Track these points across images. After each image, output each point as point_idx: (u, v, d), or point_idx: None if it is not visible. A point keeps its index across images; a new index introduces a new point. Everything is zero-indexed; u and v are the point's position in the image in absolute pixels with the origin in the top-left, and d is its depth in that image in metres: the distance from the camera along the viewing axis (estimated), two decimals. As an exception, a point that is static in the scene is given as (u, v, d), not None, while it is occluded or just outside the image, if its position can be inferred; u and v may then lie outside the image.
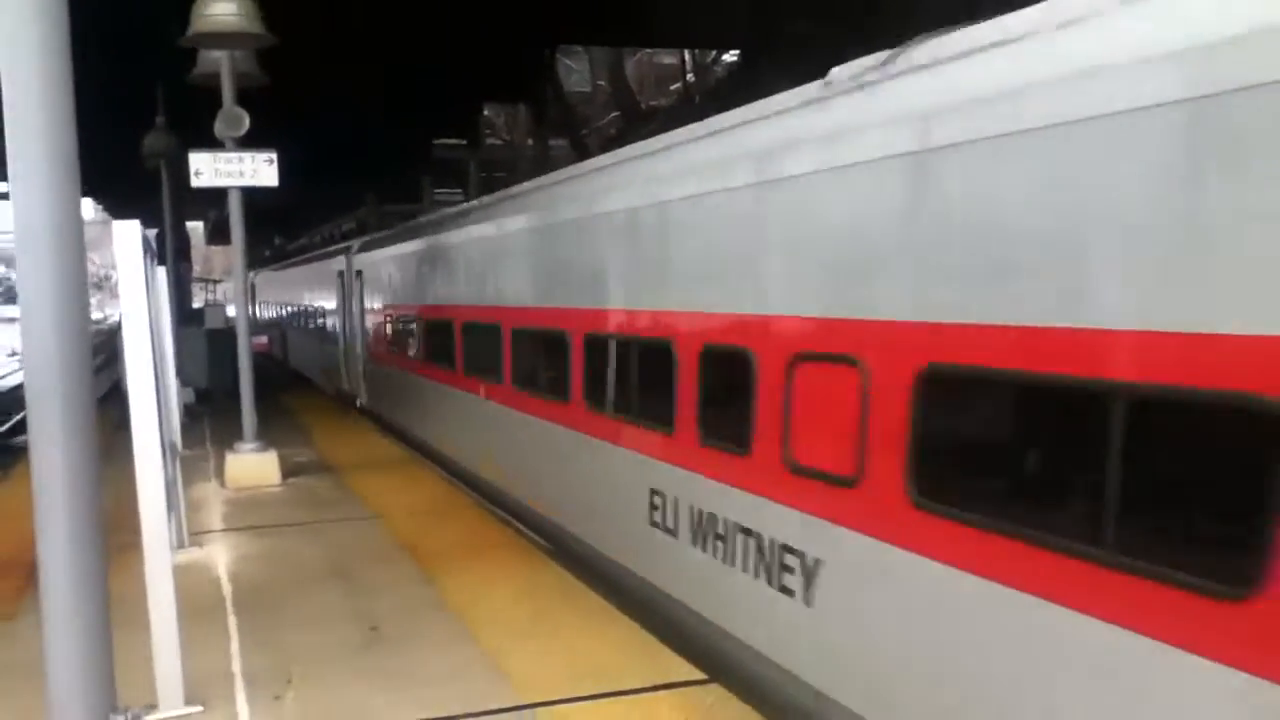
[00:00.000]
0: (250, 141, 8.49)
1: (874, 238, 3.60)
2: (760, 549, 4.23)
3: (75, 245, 1.89)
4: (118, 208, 44.56)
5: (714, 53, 23.26)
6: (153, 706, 4.03)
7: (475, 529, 6.82)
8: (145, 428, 3.98)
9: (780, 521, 4.09)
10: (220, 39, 7.74)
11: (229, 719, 3.98)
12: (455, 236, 9.43)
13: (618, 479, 5.58)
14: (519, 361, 7.42)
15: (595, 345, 5.92)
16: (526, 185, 9.01)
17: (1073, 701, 2.79)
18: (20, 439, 19.44)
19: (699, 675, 4.23)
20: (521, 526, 6.85)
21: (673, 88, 25.92)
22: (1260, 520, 2.30)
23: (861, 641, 3.62)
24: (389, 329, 12.55)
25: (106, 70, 16.08)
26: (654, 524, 5.14)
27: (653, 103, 24.91)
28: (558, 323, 6.44)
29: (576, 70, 29.27)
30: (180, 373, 12.59)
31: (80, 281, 1.91)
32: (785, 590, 4.04)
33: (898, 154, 3.44)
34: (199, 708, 4.05)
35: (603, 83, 28.38)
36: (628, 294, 5.58)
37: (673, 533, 4.96)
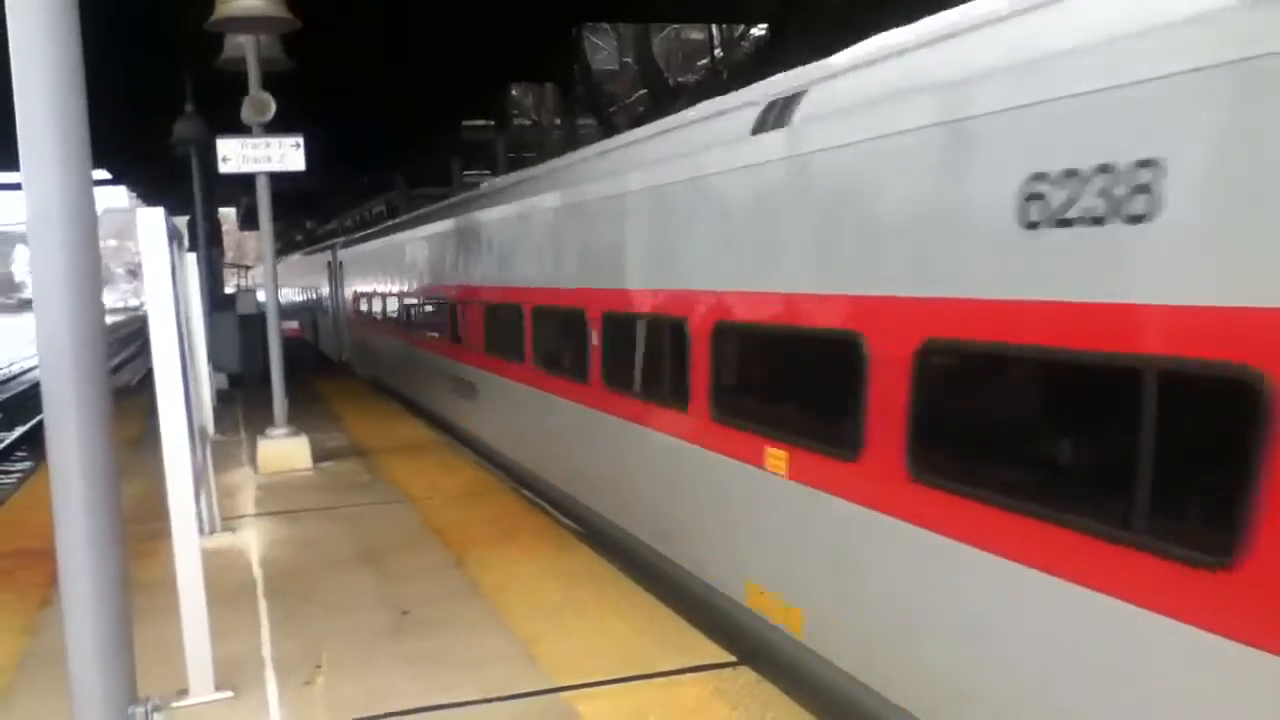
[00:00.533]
0: (278, 126, 8.49)
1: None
2: None
3: (89, 230, 1.86)
4: (151, 195, 44.96)
5: (741, 27, 23.04)
6: (184, 692, 4.05)
7: (507, 513, 6.81)
8: (172, 414, 3.98)
9: None
10: (244, 23, 7.73)
11: (259, 705, 3.99)
12: (387, 240, 16.15)
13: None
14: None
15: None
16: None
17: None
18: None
19: (728, 658, 4.20)
20: (553, 510, 6.83)
21: (700, 64, 25.70)
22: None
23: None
24: (358, 305, 19.25)
25: (136, 58, 16.20)
26: None
27: (680, 79, 24.72)
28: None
29: (603, 48, 29.09)
30: (212, 358, 12.70)
31: (93, 267, 1.88)
32: None
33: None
34: (229, 693, 4.06)
35: (629, 60, 28.19)
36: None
37: None
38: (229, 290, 21.18)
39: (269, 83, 8.71)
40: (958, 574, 3.23)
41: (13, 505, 7.90)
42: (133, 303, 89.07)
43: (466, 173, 32.97)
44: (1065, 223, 2.77)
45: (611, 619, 4.68)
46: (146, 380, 14.81)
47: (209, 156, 13.80)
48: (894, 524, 3.53)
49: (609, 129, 22.53)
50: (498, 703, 3.89)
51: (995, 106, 3.05)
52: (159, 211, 4.06)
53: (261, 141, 8.28)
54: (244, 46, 8.30)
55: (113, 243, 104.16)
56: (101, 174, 38.72)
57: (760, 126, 4.48)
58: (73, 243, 1.86)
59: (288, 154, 8.36)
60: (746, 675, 4.04)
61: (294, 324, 20.71)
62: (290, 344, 19.13)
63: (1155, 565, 2.53)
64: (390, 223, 18.43)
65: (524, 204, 7.86)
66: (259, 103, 8.17)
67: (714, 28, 23.86)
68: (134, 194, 46.26)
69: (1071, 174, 2.75)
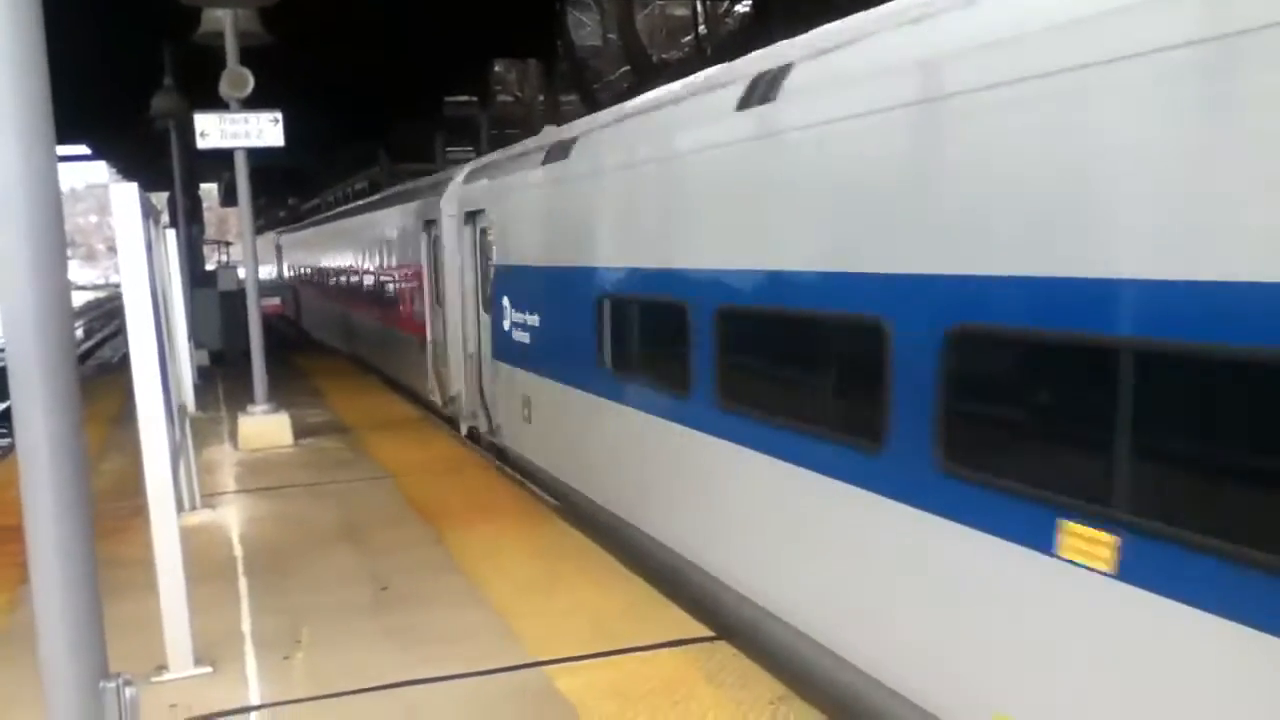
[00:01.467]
0: (260, 102, 8.42)
1: None
2: None
3: (53, 209, 1.85)
4: (132, 170, 44.59)
5: (726, 3, 22.95)
6: (163, 668, 4.06)
7: (485, 488, 6.83)
8: (148, 391, 3.98)
9: None
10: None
11: (238, 680, 4.00)
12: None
13: None
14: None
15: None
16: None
17: None
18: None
19: (706, 633, 4.22)
20: (532, 486, 6.84)
21: (684, 40, 25.62)
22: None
23: None
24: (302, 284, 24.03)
25: (116, 31, 16.03)
26: None
27: (664, 55, 24.60)
28: None
29: (587, 24, 28.92)
30: (194, 335, 12.64)
31: (58, 245, 1.87)
32: None
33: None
34: (209, 669, 4.07)
35: (613, 36, 28.06)
36: None
37: None
38: (210, 267, 21.05)
39: (251, 57, 8.64)
40: None
41: (-8, 482, 7.87)
42: (114, 279, 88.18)
43: (450, 149, 32.82)
44: None
45: (590, 593, 4.71)
46: (128, 357, 14.74)
47: (188, 132, 13.70)
48: None
49: (592, 105, 22.42)
50: (477, 677, 3.91)
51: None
52: (132, 187, 4.04)
53: (240, 117, 8.23)
54: (222, 21, 8.23)
55: (94, 219, 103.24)
56: (81, 149, 38.36)
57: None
58: (37, 222, 1.85)
59: (266, 129, 8.31)
60: (725, 650, 4.07)
61: (275, 300, 20.55)
62: (272, 321, 19.06)
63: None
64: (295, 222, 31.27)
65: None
66: (237, 78, 8.11)
67: (698, 3, 23.76)
68: (114, 169, 45.87)
69: None
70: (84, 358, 28.45)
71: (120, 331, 34.45)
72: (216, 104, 8.43)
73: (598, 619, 4.40)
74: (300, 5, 12.46)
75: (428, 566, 5.22)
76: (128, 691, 1.96)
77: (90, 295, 72.69)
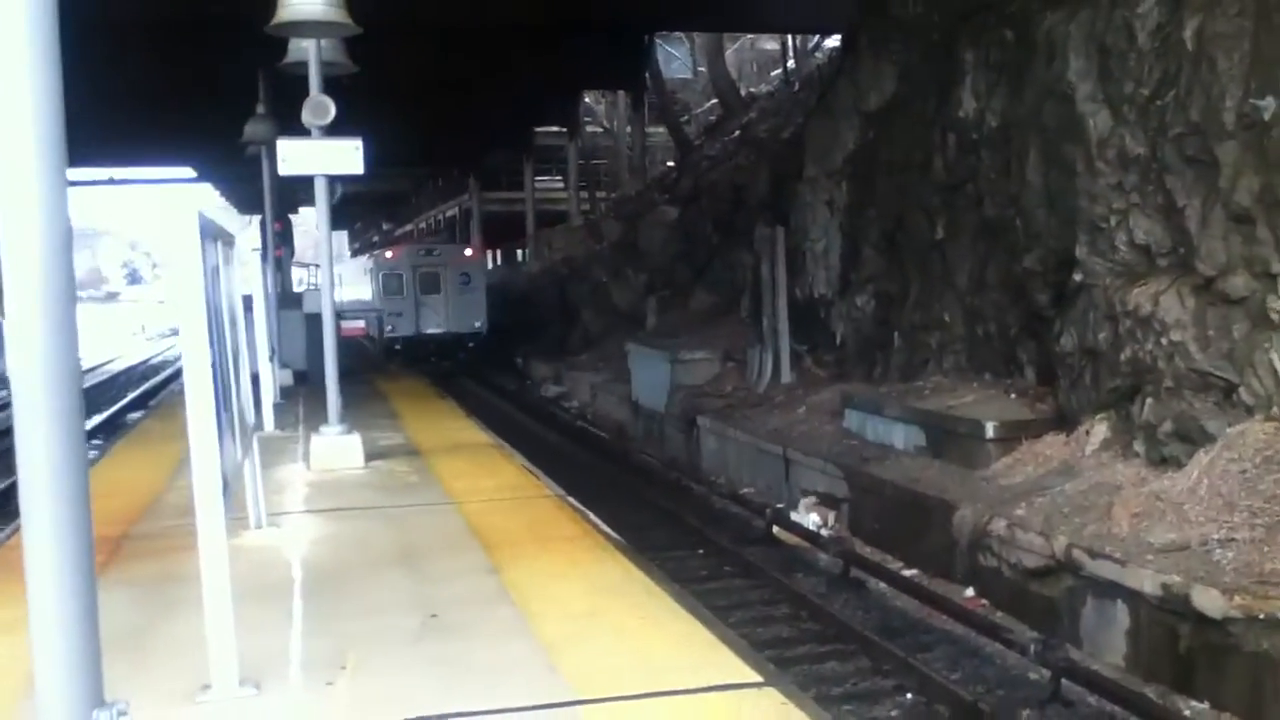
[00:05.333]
0: (350, 130, 8.58)
1: None
2: None
3: (63, 237, 1.84)
4: (233, 193, 45.98)
5: (816, 38, 22.87)
6: (208, 687, 4.05)
7: (547, 518, 6.77)
8: (201, 410, 4.00)
9: None
10: (303, 27, 7.82)
11: (281, 703, 3.98)
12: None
13: None
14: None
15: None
16: None
17: None
18: (134, 415, 20.19)
19: (755, 678, 4.07)
20: (595, 518, 6.76)
21: (773, 74, 25.56)
22: None
23: None
24: None
25: (216, 58, 16.53)
26: None
27: (752, 89, 24.56)
28: None
29: (677, 57, 29.12)
30: (280, 355, 12.89)
31: (68, 277, 1.86)
32: None
33: None
34: (253, 690, 4.05)
35: (703, 69, 28.19)
36: None
37: None
38: (299, 289, 21.55)
39: (339, 84, 8.81)
40: None
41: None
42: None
43: (539, 178, 33.28)
44: None
45: (640, 631, 4.59)
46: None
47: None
48: None
49: (680, 136, 22.57)
50: (515, 713, 3.82)
51: None
52: (194, 209, 4.09)
53: (320, 144, 8.37)
54: (306, 50, 8.40)
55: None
56: (186, 171, 39.72)
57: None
58: (47, 251, 1.83)
59: (347, 156, 8.44)
60: (772, 697, 3.91)
61: (359, 323, 20.81)
62: (355, 344, 19.41)
63: None
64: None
65: None
66: (318, 106, 8.26)
67: (789, 38, 23.73)
68: (219, 191, 47.43)
69: None
70: (176, 374, 29.29)
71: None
72: (305, 130, 8.61)
73: (645, 658, 4.28)
74: (395, 34, 12.72)
75: (480, 596, 5.16)
76: (121, 720, 1.91)
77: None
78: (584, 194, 29.31)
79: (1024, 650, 6.23)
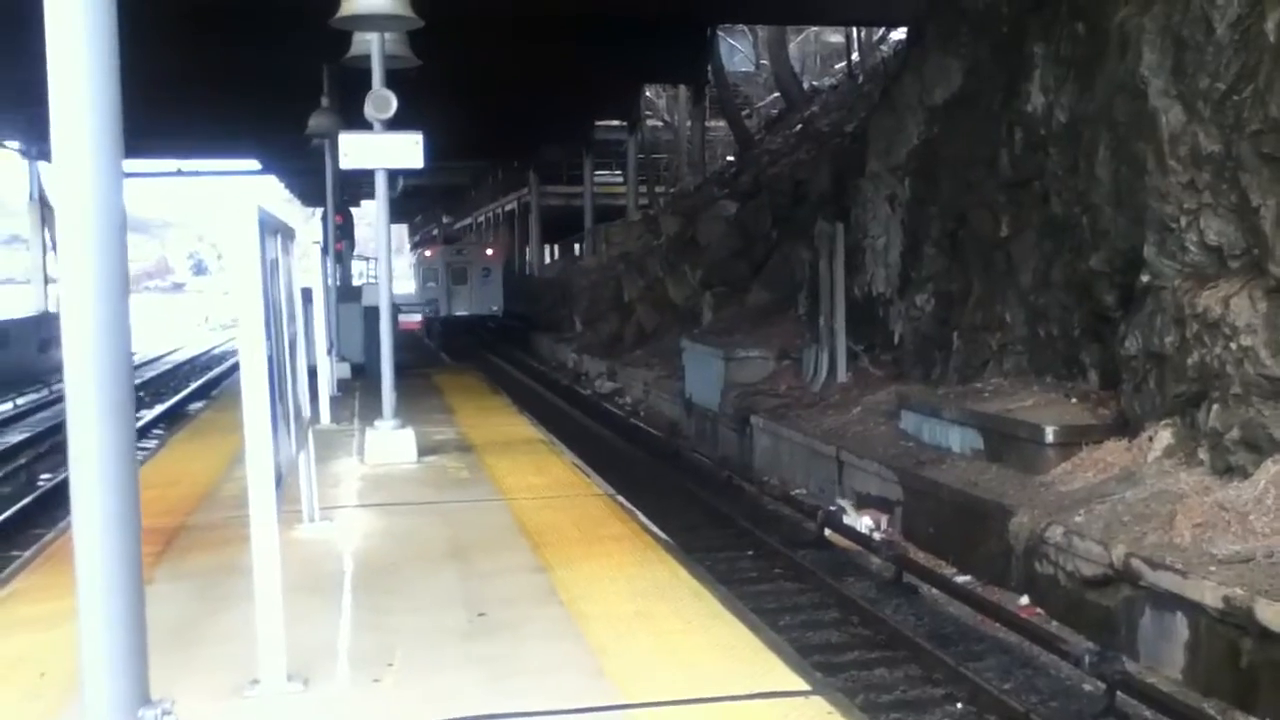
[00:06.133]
0: (411, 123, 8.64)
1: None
2: None
3: (118, 223, 1.85)
4: (296, 185, 46.60)
5: (880, 30, 22.56)
6: (256, 682, 4.09)
7: (597, 517, 6.76)
8: (255, 403, 4.04)
9: None
10: (367, 21, 7.88)
11: (327, 698, 4.01)
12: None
13: None
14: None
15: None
16: None
17: None
18: (195, 405, 20.58)
19: (802, 685, 4.02)
20: (643, 518, 6.73)
21: (837, 67, 25.28)
22: None
23: None
24: None
25: (281, 51, 16.75)
26: None
27: (815, 83, 24.29)
28: None
29: (740, 50, 28.92)
30: (338, 348, 13.05)
31: (121, 261, 1.87)
32: None
33: None
34: (300, 685, 4.09)
35: (765, 62, 28.00)
36: None
37: None
38: (358, 282, 21.80)
39: (401, 76, 8.86)
40: None
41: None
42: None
43: (599, 172, 33.30)
44: None
45: (686, 635, 4.55)
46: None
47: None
48: None
49: (741, 132, 22.44)
50: (560, 715, 3.82)
51: None
52: (253, 203, 4.13)
53: (382, 137, 8.43)
54: (369, 43, 8.47)
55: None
56: (252, 164, 40.39)
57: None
58: (102, 237, 1.85)
59: (408, 150, 8.49)
60: (818, 706, 3.86)
61: (416, 317, 21.21)
62: (411, 337, 19.57)
63: None
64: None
65: None
66: (380, 100, 8.32)
67: (853, 31, 23.45)
68: (283, 183, 48.15)
69: None
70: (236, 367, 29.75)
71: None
72: (367, 124, 8.68)
73: (691, 663, 4.25)
74: (455, 27, 12.78)
75: (528, 595, 5.16)
76: (167, 720, 1.93)
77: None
78: (643, 188, 29.28)
79: (1078, 661, 6.09)
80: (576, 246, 40.38)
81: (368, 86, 8.53)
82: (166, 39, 17.61)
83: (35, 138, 29.17)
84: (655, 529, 6.41)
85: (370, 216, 50.17)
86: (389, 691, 4.07)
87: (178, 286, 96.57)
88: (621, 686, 4.02)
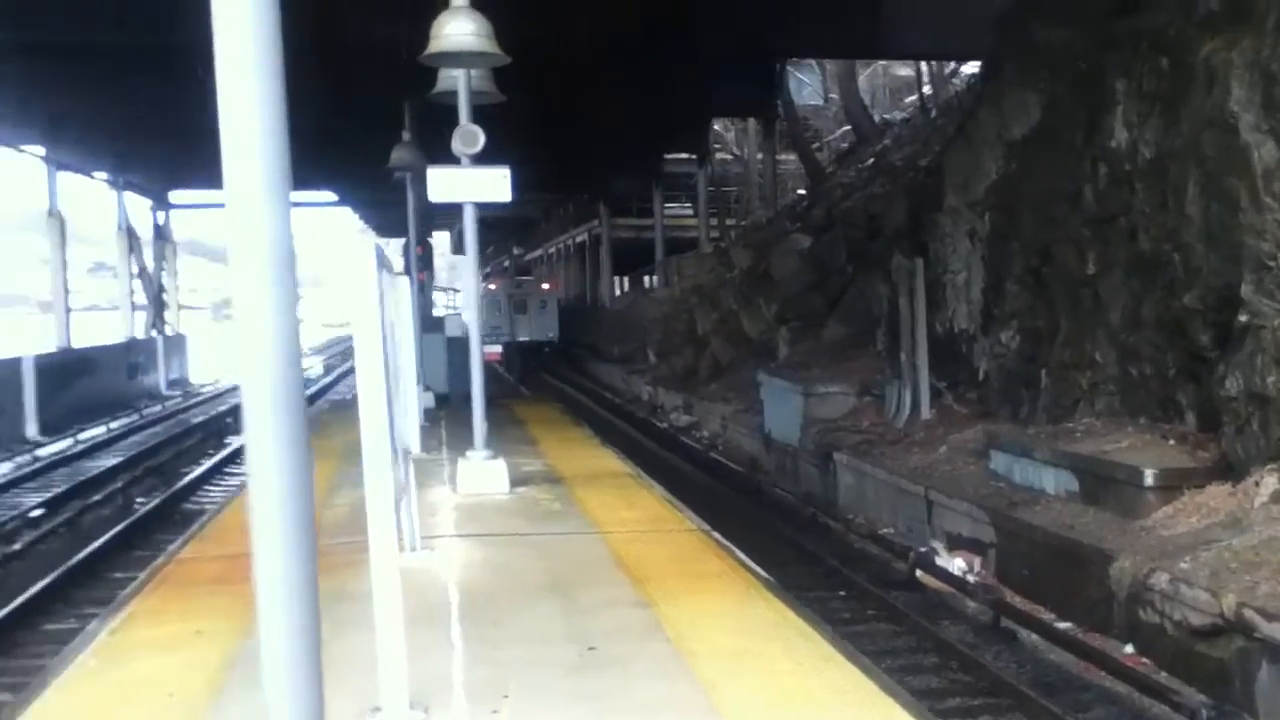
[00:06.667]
0: (489, 158, 8.79)
1: None
2: None
3: (287, 253, 1.93)
4: (370, 217, 47.48)
5: (953, 64, 22.48)
6: (378, 709, 4.15)
7: (692, 553, 6.76)
8: (375, 432, 4.13)
9: None
10: (455, 58, 8.03)
11: (448, 729, 4.04)
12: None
13: None
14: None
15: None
16: None
17: None
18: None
19: (924, 731, 3.98)
20: (741, 555, 6.71)
21: (907, 100, 25.21)
22: None
23: None
24: None
25: (360, 86, 17.12)
26: None
27: (885, 116, 24.22)
28: None
29: (808, 84, 28.97)
30: (422, 379, 13.23)
31: (291, 289, 1.94)
32: None
33: None
34: (422, 714, 4.14)
35: (834, 95, 28.02)
36: None
37: None
38: (439, 313, 22.11)
39: (483, 112, 9.02)
40: None
41: (236, 506, 8.41)
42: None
43: (668, 205, 33.47)
44: None
45: (798, 676, 4.53)
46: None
47: (422, 183, 14.52)
48: None
49: (812, 165, 22.44)
50: (678, 753, 3.81)
51: None
52: (371, 242, 4.25)
53: (471, 172, 8.58)
54: (456, 80, 8.63)
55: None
56: (329, 196, 41.26)
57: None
58: (274, 266, 1.93)
59: (496, 184, 8.63)
60: (941, 751, 3.81)
61: (497, 348, 21.45)
62: (489, 368, 19.81)
63: None
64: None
65: None
66: (468, 135, 8.47)
67: (924, 64, 23.39)
68: (357, 214, 49.07)
69: None
70: (318, 394, 30.25)
71: (351, 372, 36.81)
72: (449, 157, 8.85)
73: (803, 703, 4.22)
74: (530, 67, 12.97)
75: (632, 630, 5.17)
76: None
77: (334, 333, 77.74)
78: (713, 221, 29.38)
79: (1194, 715, 5.92)
80: (645, 279, 40.55)
81: (448, 121, 8.70)
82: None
83: (123, 169, 30.14)
84: (755, 566, 6.38)
85: (441, 247, 50.86)
86: (507, 723, 4.09)
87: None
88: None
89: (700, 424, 20.27)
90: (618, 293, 42.08)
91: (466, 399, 10.34)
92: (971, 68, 21.69)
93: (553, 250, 49.78)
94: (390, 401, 5.17)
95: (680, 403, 22.15)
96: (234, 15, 1.91)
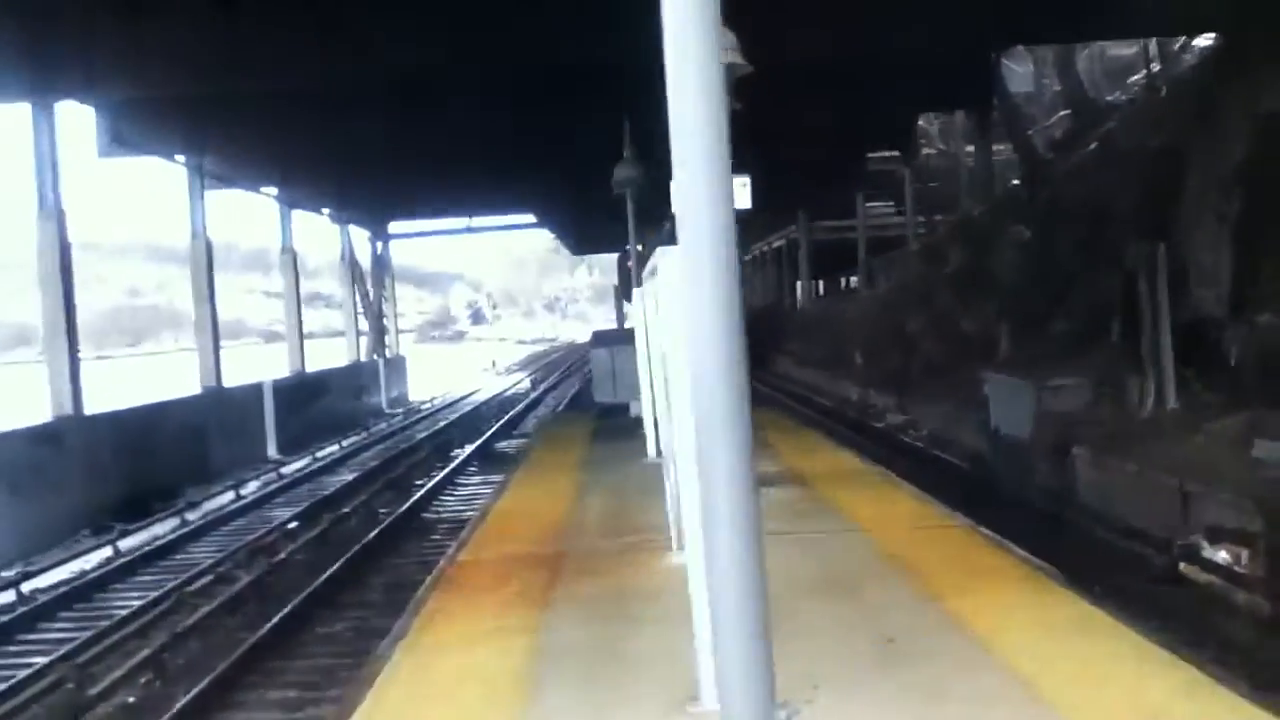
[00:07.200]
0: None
1: None
2: None
3: (730, 261, 2.03)
4: (564, 235, 48.67)
5: (1181, 39, 21.22)
6: (694, 699, 4.24)
7: (963, 548, 6.61)
8: (682, 431, 4.26)
9: None
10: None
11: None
12: None
13: None
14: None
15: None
16: None
17: None
18: (502, 443, 21.77)
19: (1284, 726, 3.75)
20: (1016, 549, 6.52)
21: (1130, 80, 23.95)
22: None
23: None
24: None
25: (584, 108, 17.57)
26: None
27: (1108, 98, 23.06)
28: None
29: (1018, 71, 27.92)
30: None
31: (735, 293, 2.03)
32: None
33: None
34: (737, 705, 4.20)
35: (1047, 80, 26.93)
36: None
37: None
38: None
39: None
40: None
41: (497, 513, 8.79)
42: (549, 334, 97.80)
43: (869, 204, 32.94)
44: None
45: (1133, 676, 4.32)
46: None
47: (641, 198, 14.83)
48: None
49: (1029, 155, 21.59)
50: (1013, 745, 3.73)
51: None
52: (673, 250, 4.35)
53: (714, 180, 8.67)
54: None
55: (533, 281, 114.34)
56: (528, 218, 42.60)
57: None
58: (718, 273, 2.01)
59: (737, 194, 8.68)
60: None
61: None
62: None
63: None
64: None
65: None
66: (712, 143, 8.56)
67: (1147, 43, 22.18)
68: (553, 233, 50.44)
69: None
70: (530, 407, 31.21)
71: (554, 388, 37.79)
72: (665, 171, 8.98)
73: (1147, 702, 4.03)
74: (743, 79, 12.94)
75: (928, 624, 5.10)
76: (794, 721, 2.05)
77: (537, 348, 80.00)
78: (919, 218, 28.72)
79: None
80: (843, 280, 40.05)
81: (655, 138, 8.83)
82: (463, 103, 18.97)
83: (346, 205, 32.05)
84: (1039, 562, 6.19)
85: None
86: (823, 714, 4.11)
87: (459, 335, 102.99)
88: (1064, 715, 3.88)
89: (917, 423, 19.84)
90: (814, 295, 41.75)
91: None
92: (1206, 40, 20.43)
93: (748, 256, 49.80)
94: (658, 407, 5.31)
95: (892, 403, 21.75)
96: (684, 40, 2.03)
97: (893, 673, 4.47)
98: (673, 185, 2.06)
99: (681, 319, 2.06)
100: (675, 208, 2.07)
